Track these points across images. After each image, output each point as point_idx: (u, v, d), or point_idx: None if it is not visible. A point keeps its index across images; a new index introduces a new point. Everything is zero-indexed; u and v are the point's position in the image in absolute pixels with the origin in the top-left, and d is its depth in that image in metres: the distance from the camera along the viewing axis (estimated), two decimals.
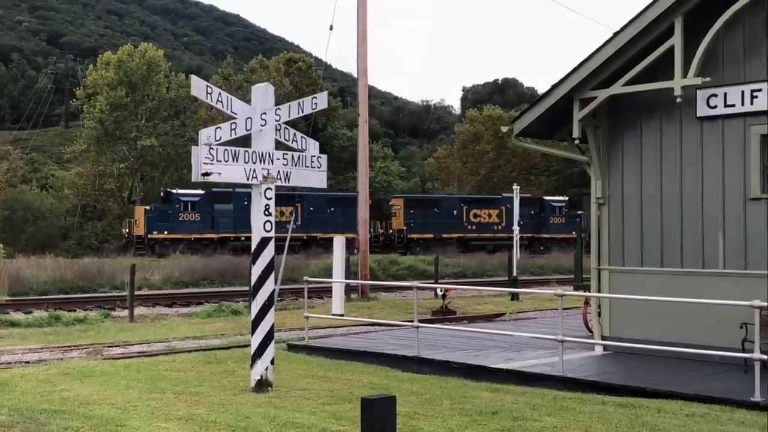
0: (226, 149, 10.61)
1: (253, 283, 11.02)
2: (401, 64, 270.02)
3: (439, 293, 24.07)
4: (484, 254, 51.41)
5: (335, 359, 13.68)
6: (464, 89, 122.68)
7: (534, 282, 36.29)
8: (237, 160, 10.74)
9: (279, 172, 11.19)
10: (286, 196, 49.76)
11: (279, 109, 11.30)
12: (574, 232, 42.37)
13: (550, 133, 15.20)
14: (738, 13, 12.24)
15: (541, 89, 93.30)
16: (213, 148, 10.49)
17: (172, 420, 9.05)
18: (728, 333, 11.92)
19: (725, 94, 12.65)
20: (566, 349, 12.16)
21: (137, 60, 61.35)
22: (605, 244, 14.02)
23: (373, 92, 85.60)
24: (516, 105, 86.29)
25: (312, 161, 11.65)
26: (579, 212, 36.67)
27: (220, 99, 10.85)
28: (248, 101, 11.23)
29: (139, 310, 24.03)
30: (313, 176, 11.70)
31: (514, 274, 29.80)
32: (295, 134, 11.61)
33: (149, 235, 49.24)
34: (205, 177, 10.45)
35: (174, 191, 50.94)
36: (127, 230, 51.56)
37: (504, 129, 14.99)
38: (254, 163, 10.92)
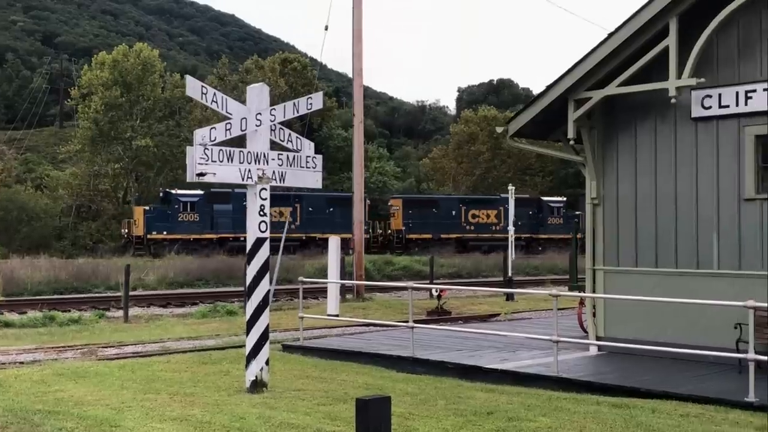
0: (221, 149, 10.60)
1: (248, 283, 11.00)
2: (397, 65, 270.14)
3: (435, 294, 24.08)
4: (480, 254, 51.48)
5: (330, 360, 13.68)
6: (459, 90, 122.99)
7: (529, 282, 36.31)
8: (232, 161, 10.73)
9: (274, 172, 11.18)
10: (284, 197, 49.82)
11: (274, 109, 11.29)
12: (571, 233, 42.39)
13: (545, 134, 15.21)
14: (732, 14, 12.27)
15: (536, 90, 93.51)
16: (208, 149, 10.47)
17: (166, 420, 9.04)
18: (723, 333, 11.95)
19: (720, 94, 12.68)
20: (561, 349, 12.17)
21: (132, 60, 61.27)
22: (600, 244, 14.04)
23: (368, 92, 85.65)
24: (511, 105, 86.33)
25: (307, 161, 11.64)
26: (577, 213, 36.70)
27: (215, 99, 10.84)
28: (243, 101, 11.22)
29: (133, 311, 23.99)
30: (308, 177, 11.69)
31: (509, 274, 29.82)
32: (290, 134, 11.60)
33: (148, 236, 49.22)
34: (200, 177, 10.44)
35: (173, 191, 50.90)
36: (127, 230, 51.52)
37: (499, 129, 15.01)
38: (249, 163, 10.90)
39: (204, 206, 50.19)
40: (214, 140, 10.59)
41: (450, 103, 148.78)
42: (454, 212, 57.81)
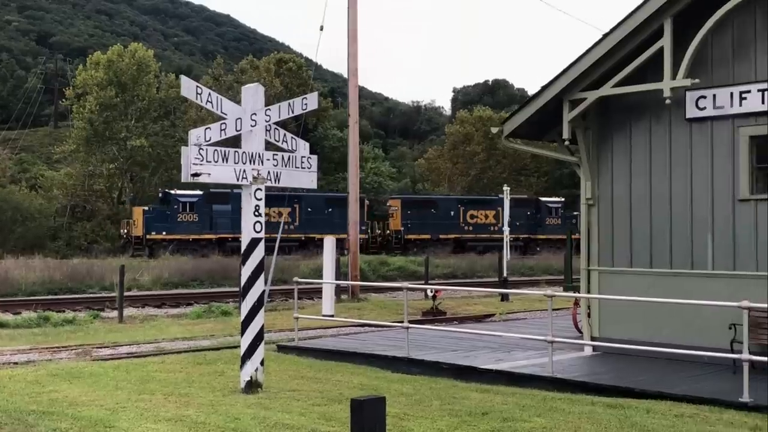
0: (215, 150, 10.60)
1: (242, 283, 11.00)
2: (392, 65, 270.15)
3: (430, 294, 24.09)
4: (475, 255, 51.55)
5: (325, 360, 13.67)
6: (455, 90, 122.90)
7: (524, 283, 36.35)
8: (227, 161, 10.73)
9: (269, 172, 11.17)
10: (283, 197, 49.82)
11: (269, 109, 11.29)
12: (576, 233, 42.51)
13: (540, 134, 15.23)
14: (727, 15, 12.29)
15: (531, 90, 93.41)
16: (203, 149, 10.47)
17: (161, 421, 9.03)
18: (717, 334, 11.97)
19: (714, 95, 12.71)
20: (556, 349, 12.18)
21: (127, 60, 61.16)
22: (595, 244, 14.06)
23: (363, 93, 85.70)
24: (506, 106, 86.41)
25: (302, 162, 11.64)
26: (575, 213, 36.80)
27: (209, 99, 10.83)
28: (238, 102, 11.21)
29: (128, 311, 23.96)
30: (303, 177, 11.68)
31: (505, 275, 29.84)
32: (285, 135, 11.60)
33: (147, 236, 49.21)
34: (195, 177, 10.43)
35: (172, 192, 50.84)
36: (126, 231, 51.50)
37: (494, 130, 15.02)
38: (244, 163, 10.90)
39: (203, 207, 50.19)
40: (209, 140, 10.58)
41: (445, 103, 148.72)
42: (452, 213, 57.91)
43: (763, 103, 12.23)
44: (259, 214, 11.03)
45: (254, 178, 10.97)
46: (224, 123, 10.82)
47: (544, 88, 13.91)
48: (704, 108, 12.81)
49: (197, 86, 10.86)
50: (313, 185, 11.83)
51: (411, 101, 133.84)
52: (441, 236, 56.64)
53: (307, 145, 11.86)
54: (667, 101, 12.70)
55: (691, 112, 12.93)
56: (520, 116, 14.41)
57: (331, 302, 21.92)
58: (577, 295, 14.58)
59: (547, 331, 11.94)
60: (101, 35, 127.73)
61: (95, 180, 61.37)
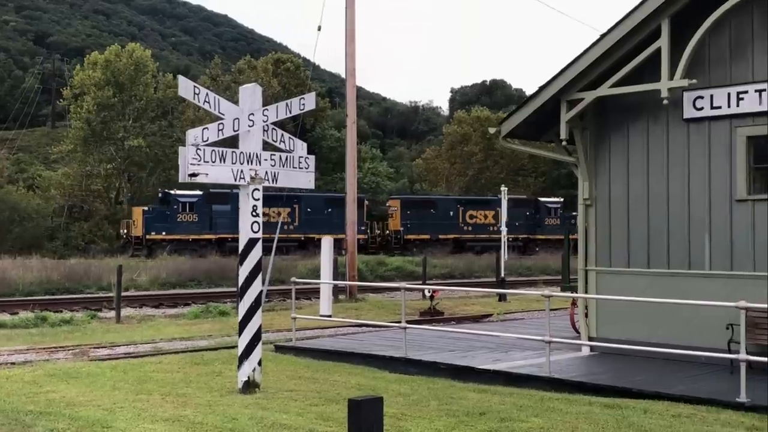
0: (213, 150, 10.59)
1: (240, 284, 11.00)
2: (390, 66, 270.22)
3: (427, 294, 24.09)
4: (473, 255, 51.56)
5: (323, 360, 13.67)
6: (452, 90, 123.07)
7: (521, 283, 36.36)
8: (224, 161, 10.72)
9: (266, 172, 11.17)
10: (283, 197, 49.85)
11: (267, 109, 11.28)
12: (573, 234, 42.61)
13: (538, 135, 15.24)
14: (724, 15, 12.30)
15: (529, 91, 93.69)
16: (200, 149, 10.46)
17: (158, 421, 9.03)
18: (714, 334, 11.98)
19: (711, 96, 12.72)
20: (553, 349, 12.19)
21: (124, 60, 61.12)
22: (592, 244, 14.06)
23: (361, 93, 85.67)
24: (504, 106, 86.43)
25: (300, 162, 11.64)
26: (574, 213, 36.79)
27: (207, 99, 10.83)
28: (236, 102, 11.21)
29: (125, 311, 23.94)
30: (301, 177, 11.68)
31: (502, 275, 29.84)
32: (282, 135, 11.60)
33: (147, 236, 49.23)
34: (192, 178, 10.43)
35: (172, 192, 50.88)
36: (126, 231, 51.53)
37: (492, 130, 15.03)
38: (242, 163, 10.90)
39: (203, 207, 50.23)
40: (207, 140, 10.58)
41: (443, 103, 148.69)
42: (451, 213, 57.99)
43: (760, 103, 12.25)
44: (257, 214, 11.03)
45: (252, 178, 10.97)
46: (222, 123, 10.82)
47: (542, 88, 13.92)
48: (701, 108, 12.82)
49: (195, 86, 10.86)
50: (311, 185, 11.83)
51: (409, 101, 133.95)
52: (440, 236, 56.72)
53: (305, 145, 11.86)
54: (665, 101, 12.71)
55: (689, 112, 12.95)
56: (517, 116, 14.42)
57: (329, 302, 21.92)
58: (574, 295, 14.59)
59: (544, 332, 11.94)
60: (99, 35, 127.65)
61: (93, 180, 61.32)
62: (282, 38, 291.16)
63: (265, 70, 70.80)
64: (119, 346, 17.00)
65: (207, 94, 10.89)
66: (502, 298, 27.24)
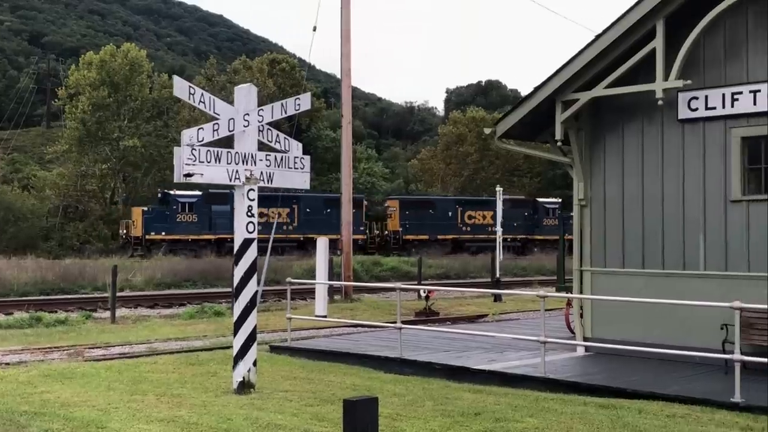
0: (208, 150, 10.58)
1: (235, 284, 10.99)
2: (385, 66, 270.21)
3: (423, 294, 24.10)
4: (468, 255, 51.60)
5: (318, 361, 13.67)
6: (448, 91, 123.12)
7: (517, 283, 36.38)
8: (219, 161, 10.72)
9: (262, 173, 11.17)
10: (283, 198, 49.86)
11: (262, 110, 11.28)
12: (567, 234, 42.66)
13: (533, 135, 15.25)
14: (719, 16, 12.33)
15: (524, 91, 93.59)
16: (195, 149, 10.45)
17: (153, 422, 9.02)
18: (709, 334, 12.00)
19: (706, 96, 12.74)
20: (548, 350, 12.20)
21: (120, 60, 61.05)
22: (587, 245, 14.08)
23: (356, 93, 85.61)
24: (499, 107, 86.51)
25: (295, 162, 11.63)
26: (572, 214, 36.84)
27: (202, 100, 10.82)
28: (231, 102, 11.20)
29: (120, 312, 23.91)
30: (296, 177, 11.68)
31: (497, 275, 29.87)
32: (278, 135, 11.59)
33: (147, 236, 49.24)
34: (188, 178, 10.42)
35: (171, 192, 50.89)
36: (125, 231, 51.54)
37: (487, 131, 15.04)
38: (237, 164, 10.89)
39: (202, 207, 50.25)
40: (202, 141, 10.57)
41: (438, 104, 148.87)
42: (450, 213, 58.10)
43: (754, 104, 12.28)
44: (252, 215, 11.03)
45: (247, 178, 10.97)
46: (217, 123, 10.81)
47: (537, 89, 13.93)
48: (696, 109, 12.84)
49: (190, 86, 10.85)
50: (306, 186, 11.83)
51: (404, 102, 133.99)
52: (439, 237, 56.86)
53: (300, 145, 11.86)
54: (660, 102, 12.73)
55: (683, 113, 12.97)
56: (512, 117, 14.43)
57: (324, 303, 21.91)
58: (569, 295, 14.61)
59: (539, 332, 11.95)
60: (94, 35, 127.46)
61: (88, 180, 61.25)
62: (277, 38, 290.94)
63: (260, 70, 70.78)
64: (114, 346, 16.98)
65: (202, 95, 10.88)
66: (497, 298, 27.26)
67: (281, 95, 60.31)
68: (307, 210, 53.04)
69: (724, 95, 12.58)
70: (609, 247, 13.86)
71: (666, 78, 12.61)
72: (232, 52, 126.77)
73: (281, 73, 73.12)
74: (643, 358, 12.56)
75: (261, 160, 11.17)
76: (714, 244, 12.70)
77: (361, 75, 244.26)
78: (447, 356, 13.38)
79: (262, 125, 11.29)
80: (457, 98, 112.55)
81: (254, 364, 10.99)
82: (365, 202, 57.07)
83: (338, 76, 32.59)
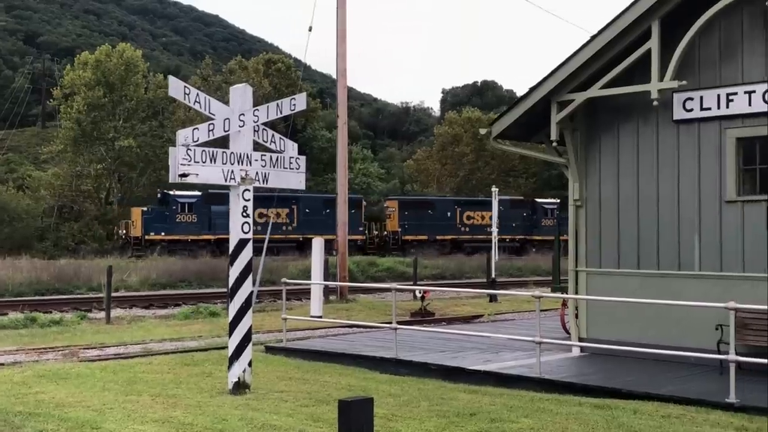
0: (203, 150, 10.57)
1: (230, 284, 10.98)
2: (381, 66, 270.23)
3: (418, 295, 24.10)
4: (463, 256, 51.63)
5: (313, 361, 13.66)
6: (443, 91, 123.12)
7: (512, 284, 36.41)
8: (215, 161, 10.70)
9: (257, 173, 11.16)
10: (282, 198, 49.85)
11: (257, 110, 11.27)
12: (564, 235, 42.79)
13: (529, 136, 15.26)
14: (714, 17, 12.35)
15: (520, 92, 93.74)
16: (190, 149, 10.44)
17: (148, 422, 9.00)
18: (704, 335, 12.02)
19: (701, 97, 12.76)
20: (544, 350, 12.21)
21: (115, 60, 60.97)
22: (582, 245, 14.09)
23: (352, 94, 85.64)
24: (495, 107, 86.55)
25: (290, 162, 11.63)
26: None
27: (197, 100, 10.81)
28: (227, 102, 11.20)
29: (115, 312, 23.87)
30: (292, 177, 11.67)
31: (493, 275, 29.88)
32: (273, 135, 11.58)
33: (146, 237, 49.24)
34: (183, 178, 10.41)
35: (171, 193, 50.88)
36: (125, 231, 51.54)
37: (483, 131, 15.04)
38: (232, 164, 10.88)
39: (201, 207, 50.26)
40: (197, 141, 10.56)
41: (434, 104, 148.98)
42: (449, 214, 58.21)
43: (749, 104, 12.30)
44: (247, 215, 11.02)
45: (242, 178, 10.96)
46: (212, 123, 10.80)
47: (532, 89, 13.94)
48: (691, 110, 12.86)
49: (185, 86, 10.84)
50: (302, 186, 11.82)
51: (400, 102, 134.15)
52: (438, 237, 56.98)
53: (296, 145, 11.85)
54: (655, 103, 12.75)
55: (679, 113, 12.99)
56: (508, 117, 14.44)
57: (320, 303, 21.91)
58: (564, 296, 14.62)
59: (535, 332, 11.96)
60: (89, 35, 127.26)
61: (83, 180, 61.14)
62: (273, 39, 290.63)
63: (256, 70, 70.75)
64: (109, 347, 16.95)
65: (197, 95, 10.87)
66: (492, 298, 27.28)
67: (277, 95, 60.28)
68: (307, 210, 53.08)
69: (719, 96, 12.60)
70: (604, 248, 13.87)
71: (661, 79, 12.63)
72: (228, 52, 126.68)
73: (277, 73, 73.09)
74: (638, 359, 12.57)
75: (256, 160, 11.16)
76: (709, 244, 12.72)
77: (357, 75, 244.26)
78: (442, 357, 13.38)
79: (258, 125, 11.28)
80: (453, 99, 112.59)
81: (249, 364, 10.99)
82: (364, 203, 57.15)
83: (334, 76, 32.60)
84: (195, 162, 10.48)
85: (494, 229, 31.55)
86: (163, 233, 49.49)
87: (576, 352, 13.73)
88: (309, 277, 25.86)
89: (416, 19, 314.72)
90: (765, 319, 11.36)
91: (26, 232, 53.43)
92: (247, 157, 11.06)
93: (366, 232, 57.00)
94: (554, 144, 14.01)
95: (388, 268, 42.07)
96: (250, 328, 11.01)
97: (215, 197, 50.02)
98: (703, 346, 11.78)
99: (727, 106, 12.51)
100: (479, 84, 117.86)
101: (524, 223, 59.13)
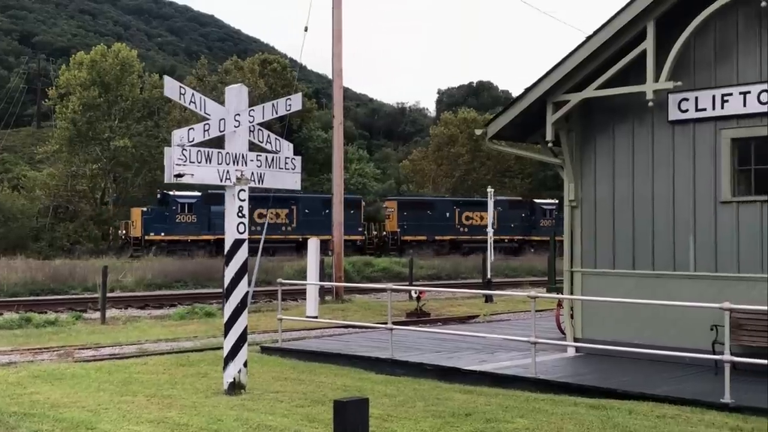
0: (199, 150, 10.56)
1: (226, 285, 10.97)
2: (377, 67, 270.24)
3: (414, 295, 24.10)
4: (459, 256, 51.67)
5: (309, 361, 13.66)
6: (439, 92, 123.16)
7: (508, 284, 36.44)
8: (210, 162, 10.70)
9: (253, 173, 11.15)
10: (281, 199, 49.84)
11: (253, 110, 11.26)
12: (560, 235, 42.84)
13: (524, 136, 15.27)
14: (709, 18, 12.37)
15: (516, 92, 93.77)
16: (186, 149, 10.43)
17: (143, 423, 9.00)
18: (699, 335, 12.04)
19: (696, 98, 12.78)
20: (539, 350, 12.22)
21: (110, 60, 60.88)
22: (578, 246, 14.10)
23: (348, 94, 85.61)
24: (490, 108, 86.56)
25: (286, 163, 11.62)
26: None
27: (193, 100, 10.80)
28: (222, 102, 11.19)
29: (111, 312, 23.84)
30: (287, 178, 11.67)
31: (489, 276, 29.90)
32: (269, 135, 11.58)
33: (146, 237, 49.21)
34: (178, 178, 10.40)
35: (171, 193, 50.87)
36: (124, 232, 51.52)
37: (478, 132, 15.05)
38: (228, 164, 10.88)
39: (201, 207, 50.27)
40: (193, 141, 10.55)
41: (430, 105, 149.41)
42: (448, 214, 58.33)
43: (744, 105, 12.32)
44: (243, 215, 11.01)
45: (238, 179, 10.95)
46: (208, 123, 10.79)
47: (528, 90, 13.95)
48: (686, 110, 12.88)
49: (180, 86, 10.83)
50: (297, 186, 11.82)
51: (396, 103, 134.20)
52: (437, 238, 57.05)
53: (291, 146, 11.85)
54: (650, 103, 12.77)
55: (674, 114, 13.01)
56: (503, 118, 14.45)
57: (315, 303, 21.90)
58: (560, 296, 14.63)
59: (530, 332, 11.97)
60: (84, 35, 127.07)
61: (78, 180, 61.04)
62: (269, 39, 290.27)
63: (251, 70, 70.71)
64: (104, 347, 16.92)
65: (193, 95, 10.86)
66: (488, 299, 27.29)
67: (272, 96, 60.26)
68: (306, 211, 53.10)
69: (714, 97, 12.62)
70: (599, 248, 13.88)
71: (656, 79, 12.65)
72: (223, 52, 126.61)
73: (272, 73, 73.06)
74: (633, 359, 12.59)
75: (252, 160, 11.16)
76: (704, 245, 12.74)
77: (353, 76, 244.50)
78: (438, 357, 13.38)
79: (253, 126, 11.27)
80: (449, 99, 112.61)
81: (245, 365, 10.98)
82: (363, 203, 57.19)
83: (330, 76, 32.60)
84: (190, 162, 10.46)
85: (489, 230, 31.57)
86: (162, 233, 49.54)
87: (571, 352, 13.75)
88: (305, 278, 25.86)
89: (412, 19, 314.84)
90: (760, 319, 11.40)
91: (21, 232, 53.32)
92: (243, 157, 11.05)
93: (365, 232, 57.04)
94: (550, 144, 14.02)
95: (383, 269, 42.07)
96: (245, 329, 11.00)
97: (215, 197, 50.03)
98: (698, 347, 11.80)
99: (722, 107, 12.53)
100: (475, 84, 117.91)
101: (523, 223, 59.25)
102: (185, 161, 10.41)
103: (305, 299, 22.73)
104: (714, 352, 11.43)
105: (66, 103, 59.94)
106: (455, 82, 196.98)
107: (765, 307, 10.85)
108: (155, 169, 59.05)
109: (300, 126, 72.32)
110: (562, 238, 14.52)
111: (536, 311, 12.27)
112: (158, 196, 53.02)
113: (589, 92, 13.37)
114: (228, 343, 10.90)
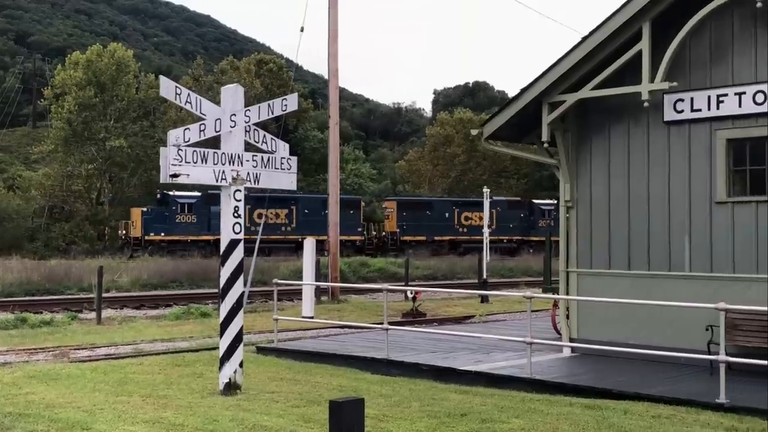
0: (194, 150, 10.56)
1: (222, 285, 10.96)
2: (373, 67, 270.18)
3: (410, 295, 24.10)
4: (454, 257, 51.71)
5: (304, 362, 13.65)
6: (435, 92, 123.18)
7: (504, 284, 36.45)
8: (206, 162, 10.69)
9: (248, 173, 11.15)
10: (280, 199, 49.83)
11: (249, 110, 11.26)
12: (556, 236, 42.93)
13: (520, 137, 15.29)
14: (704, 19, 12.39)
15: (512, 93, 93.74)
16: (182, 150, 10.43)
17: (138, 423, 8.99)
18: (694, 335, 12.06)
19: (692, 98, 12.80)
20: (535, 351, 12.23)
21: (106, 60, 60.82)
22: (573, 246, 14.12)
23: (344, 94, 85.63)
24: (486, 108, 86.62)
25: (282, 163, 11.62)
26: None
27: (189, 100, 10.80)
28: (218, 102, 11.18)
29: (106, 313, 23.80)
30: (283, 178, 11.67)
31: (484, 276, 29.92)
32: (264, 136, 11.58)
33: (146, 237, 49.19)
34: (174, 178, 10.40)
35: (171, 193, 50.85)
36: (124, 232, 51.47)
37: (474, 132, 15.06)
38: (223, 164, 10.87)
39: (201, 208, 50.26)
40: (188, 141, 10.54)
41: (426, 105, 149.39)
42: (447, 214, 58.42)
43: (740, 106, 12.34)
44: (239, 216, 11.01)
45: (233, 179, 10.95)
46: (203, 124, 10.79)
47: (524, 90, 13.96)
48: (682, 111, 12.90)
49: (176, 86, 10.83)
50: (293, 186, 11.83)
51: (392, 103, 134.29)
52: (436, 238, 57.11)
53: (287, 146, 11.84)
54: (646, 104, 12.79)
55: (669, 115, 13.03)
56: (499, 118, 14.46)
57: (311, 304, 21.89)
58: (555, 296, 14.64)
59: (526, 333, 11.98)
60: (80, 35, 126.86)
61: (74, 180, 60.96)
62: (265, 39, 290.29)
63: (247, 70, 70.67)
64: (100, 347, 16.90)
65: (189, 95, 10.86)
66: (484, 299, 27.30)
67: (268, 96, 60.22)
68: (306, 211, 53.10)
69: (709, 97, 12.64)
70: (595, 249, 13.90)
71: (652, 80, 12.67)
72: (219, 52, 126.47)
73: (268, 73, 73.03)
74: (628, 359, 12.60)
75: (248, 160, 11.16)
76: (699, 245, 12.76)
77: (349, 76, 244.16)
78: (433, 357, 13.39)
79: (249, 126, 11.27)
80: (445, 99, 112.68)
81: (240, 365, 10.98)
82: (362, 204, 57.20)
83: (326, 76, 32.57)
84: (186, 162, 10.46)
85: (485, 230, 31.60)
86: (162, 234, 49.59)
87: (567, 352, 13.76)
88: (301, 278, 25.85)
89: (408, 19, 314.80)
90: (755, 319, 11.42)
91: (17, 232, 53.26)
92: (239, 157, 11.05)
93: (365, 233, 57.06)
94: (545, 145, 14.03)
95: (380, 269, 42.07)
96: (241, 329, 11.00)
97: (215, 198, 49.91)
98: (693, 347, 11.82)
99: (718, 108, 12.55)
100: (471, 85, 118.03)
101: (521, 223, 59.32)
102: (181, 161, 10.40)
103: (301, 299, 22.72)
104: (709, 353, 11.45)
105: (62, 103, 59.85)
106: (451, 83, 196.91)
107: (760, 308, 10.88)
108: (151, 170, 58.97)
109: (296, 126, 72.30)
110: (558, 238, 14.53)
111: (532, 311, 12.28)
112: (158, 196, 53.00)
113: (585, 93, 13.39)
114: (224, 344, 10.89)
